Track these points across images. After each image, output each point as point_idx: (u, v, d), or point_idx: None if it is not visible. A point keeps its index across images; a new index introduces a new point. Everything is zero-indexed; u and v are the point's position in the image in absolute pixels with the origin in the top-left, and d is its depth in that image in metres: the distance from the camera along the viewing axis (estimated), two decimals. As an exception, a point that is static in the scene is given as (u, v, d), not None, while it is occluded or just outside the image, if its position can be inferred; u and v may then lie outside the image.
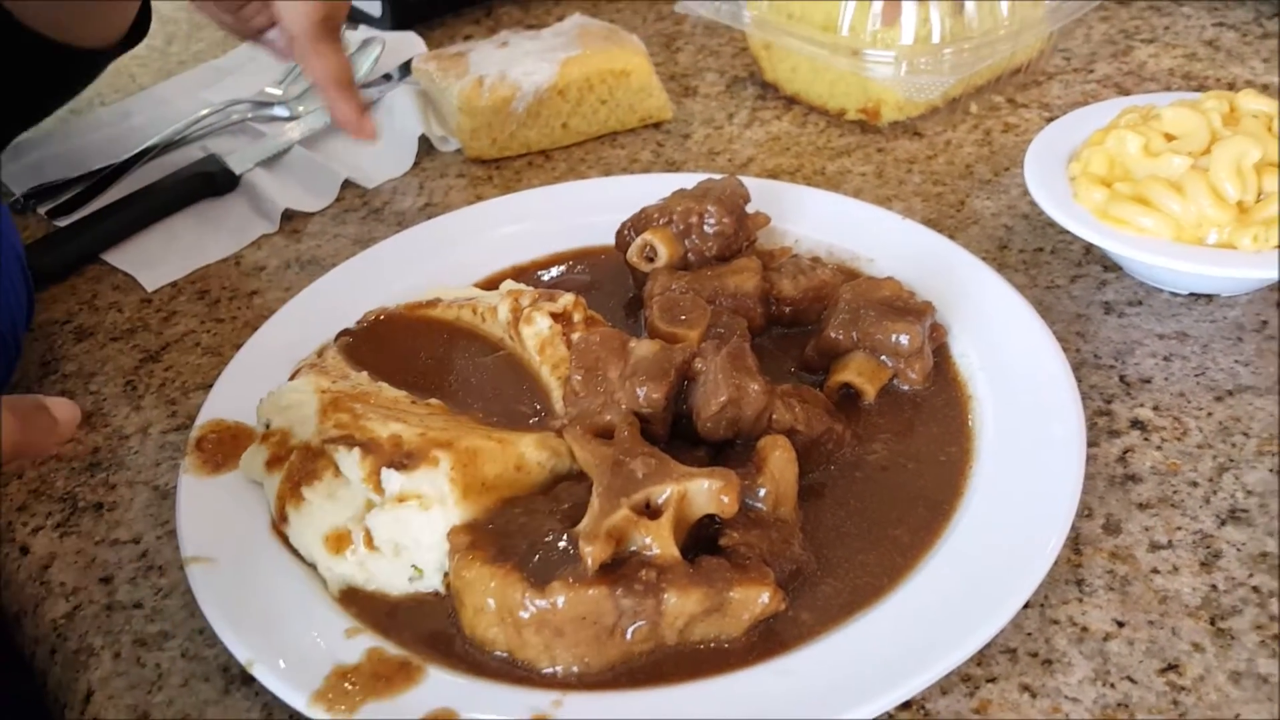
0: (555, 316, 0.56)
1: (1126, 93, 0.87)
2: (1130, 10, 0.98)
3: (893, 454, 0.55)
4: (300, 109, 0.89)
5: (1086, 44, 0.94)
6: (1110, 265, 0.69)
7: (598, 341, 0.52)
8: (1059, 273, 0.69)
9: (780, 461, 0.49)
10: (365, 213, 0.80)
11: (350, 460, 0.48)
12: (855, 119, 0.86)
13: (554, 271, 0.70)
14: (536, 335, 0.55)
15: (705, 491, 0.45)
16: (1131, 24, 0.96)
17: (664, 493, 0.44)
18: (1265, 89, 0.85)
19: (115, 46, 0.78)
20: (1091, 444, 0.57)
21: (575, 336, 0.55)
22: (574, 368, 0.52)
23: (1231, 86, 0.86)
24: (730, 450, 0.52)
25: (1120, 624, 0.49)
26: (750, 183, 0.72)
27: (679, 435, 0.53)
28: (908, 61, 0.78)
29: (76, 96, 0.86)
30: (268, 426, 0.52)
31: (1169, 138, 0.65)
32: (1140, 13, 0.97)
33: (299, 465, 0.48)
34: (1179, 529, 0.52)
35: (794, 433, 0.52)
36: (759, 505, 0.48)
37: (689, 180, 0.69)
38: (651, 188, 0.70)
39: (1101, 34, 0.95)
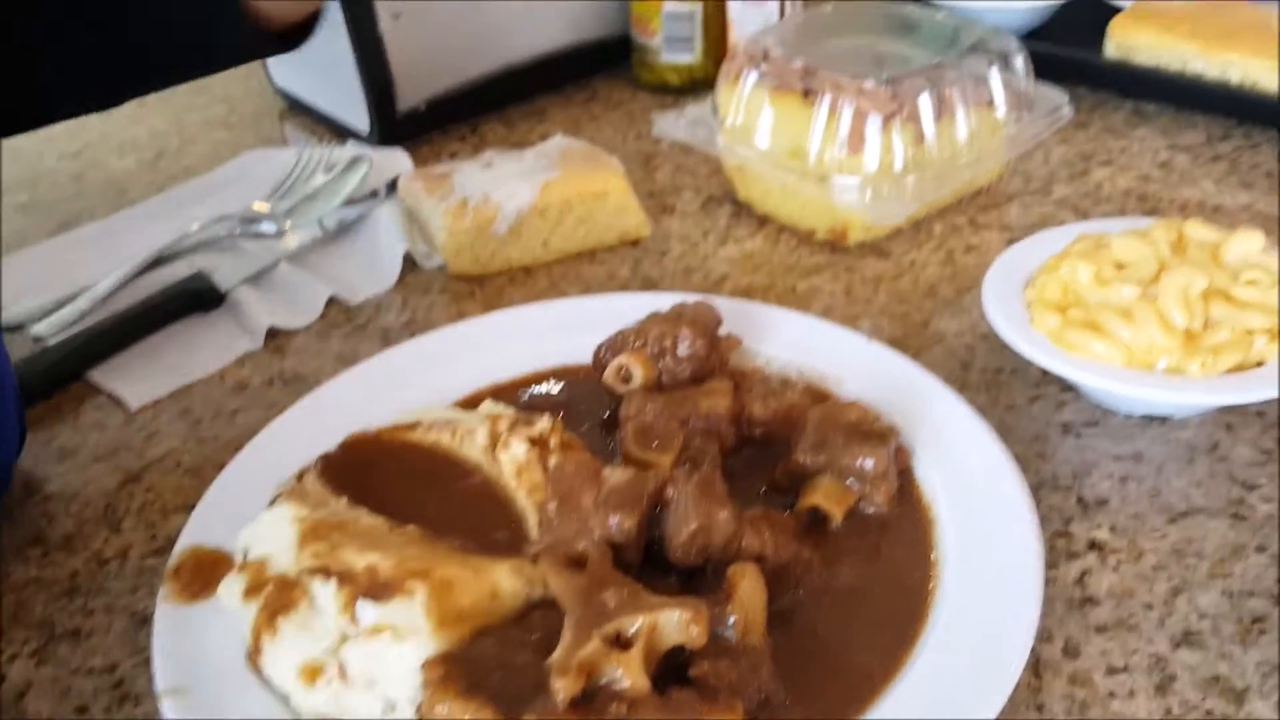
0: (532, 441, 0.57)
1: (1084, 214, 0.91)
2: (1087, 134, 1.02)
3: (859, 578, 0.57)
4: (288, 224, 0.91)
5: (1045, 166, 0.98)
6: (1067, 386, 0.71)
7: (572, 470, 0.54)
8: (1019, 393, 0.72)
9: (749, 590, 0.50)
10: (349, 329, 0.83)
11: (326, 591, 0.49)
12: (825, 239, 0.89)
13: (533, 390, 0.71)
14: (514, 460, 0.57)
15: (675, 622, 0.46)
16: (1088, 147, 1.00)
17: (635, 624, 0.46)
18: (1216, 210, 0.89)
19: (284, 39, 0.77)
20: (1051, 566, 0.59)
21: (552, 462, 0.57)
22: (549, 495, 0.53)
23: (1184, 207, 0.90)
24: (701, 576, 0.53)
25: (1080, 749, 0.50)
26: (722, 303, 0.75)
27: (651, 561, 0.54)
28: (872, 187, 0.81)
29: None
30: (245, 555, 0.54)
31: (1119, 266, 0.68)
32: (1097, 136, 1.02)
33: (275, 596, 0.49)
34: (1135, 652, 0.54)
35: (763, 558, 0.54)
36: (728, 633, 0.49)
37: (666, 300, 0.71)
38: (627, 306, 0.72)
39: (1060, 157, 0.99)
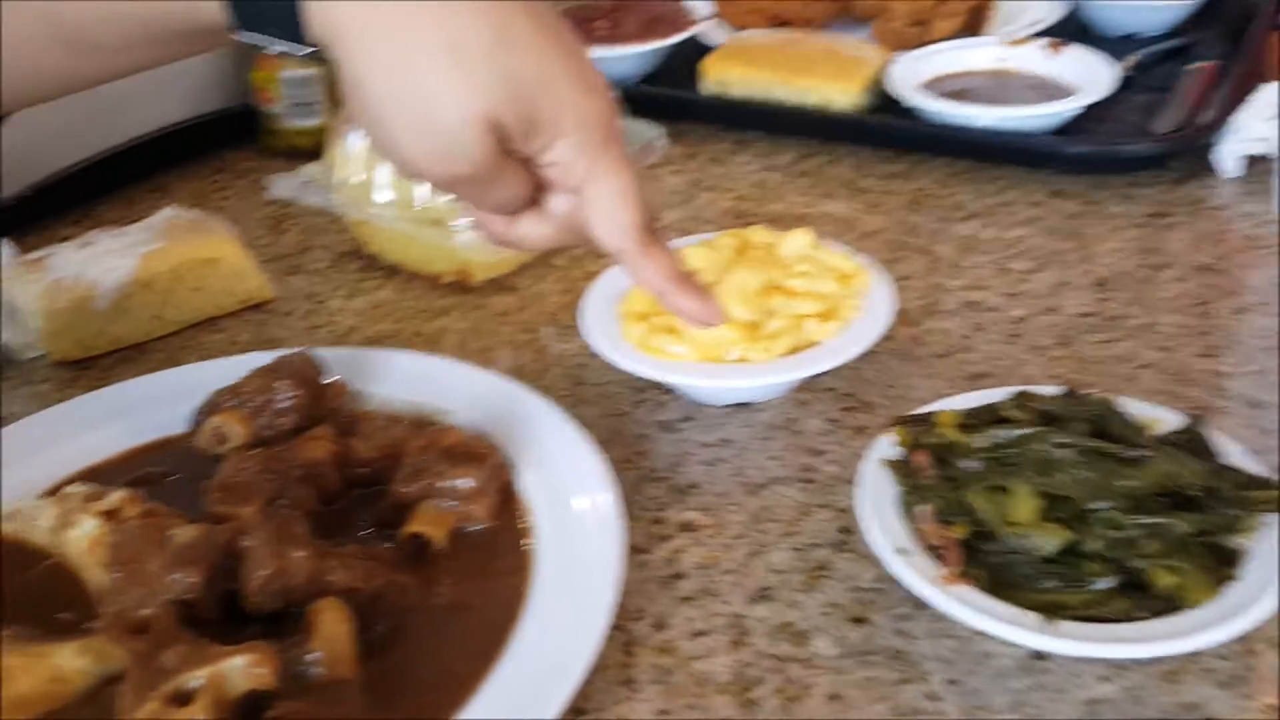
0: (107, 515, 0.56)
1: (690, 233, 0.98)
2: (695, 163, 1.11)
3: (460, 593, 0.59)
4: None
5: (658, 195, 1.05)
6: (667, 390, 0.77)
7: (136, 535, 0.53)
8: (625, 400, 0.77)
9: (331, 623, 0.51)
10: (-57, 430, 0.78)
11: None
12: (451, 281, 0.92)
13: (135, 468, 0.70)
14: (85, 537, 0.56)
15: (240, 669, 0.47)
16: (696, 175, 1.08)
17: (197, 679, 0.46)
18: (801, 218, 0.98)
19: None
20: (644, 550, 0.63)
21: (123, 531, 0.56)
22: (113, 565, 0.53)
23: (773, 219, 0.99)
24: (286, 620, 0.54)
25: (664, 712, 0.54)
26: (331, 352, 0.76)
27: (238, 615, 0.54)
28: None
29: None
30: None
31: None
32: (703, 165, 1.10)
33: None
34: (716, 615, 0.59)
35: (354, 591, 0.55)
36: (315, 670, 0.50)
37: (267, 357, 0.71)
38: (233, 369, 0.72)
39: (671, 185, 1.07)
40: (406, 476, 0.63)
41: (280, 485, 0.62)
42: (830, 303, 0.72)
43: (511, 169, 0.52)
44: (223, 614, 0.55)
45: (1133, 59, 1.14)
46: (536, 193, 0.54)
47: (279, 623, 0.55)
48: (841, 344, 0.70)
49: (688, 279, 0.58)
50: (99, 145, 1.09)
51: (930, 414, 0.60)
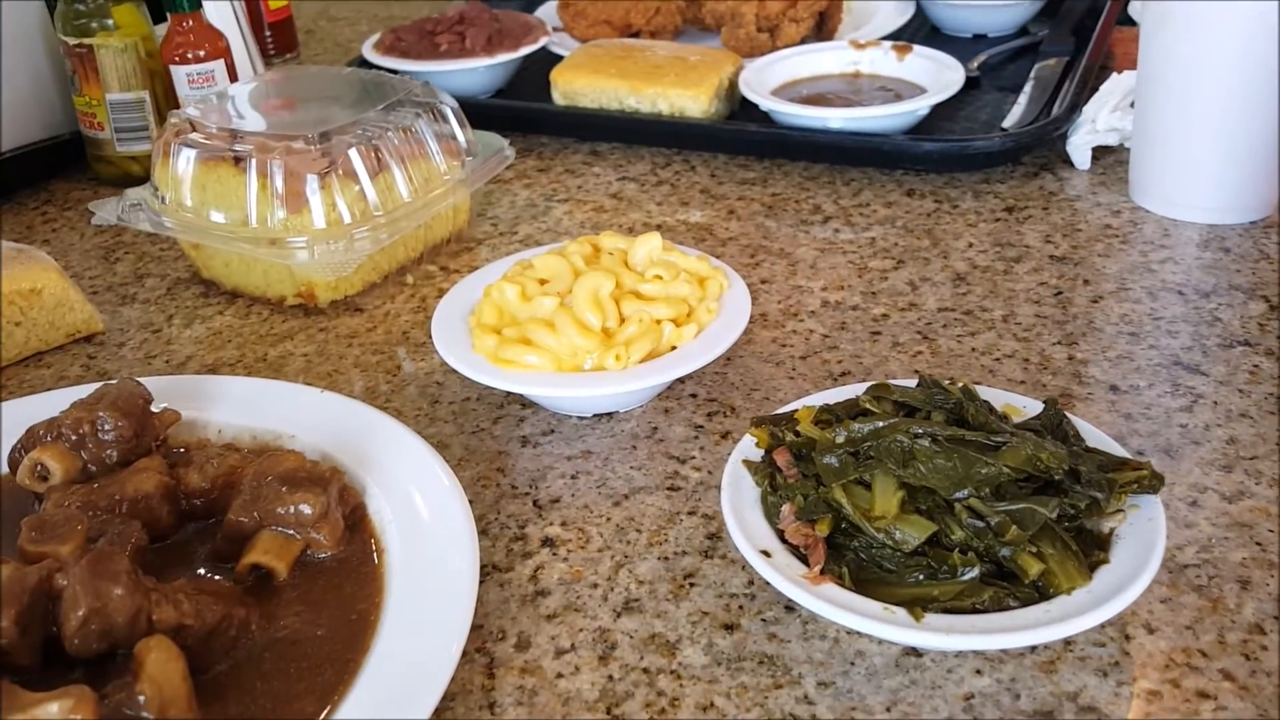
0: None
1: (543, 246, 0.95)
2: (549, 176, 1.08)
3: (304, 624, 0.55)
4: None
5: (511, 210, 1.02)
6: (528, 403, 0.74)
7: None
8: (483, 416, 0.73)
9: (158, 663, 0.47)
10: None
11: None
12: (296, 303, 0.88)
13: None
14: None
15: (56, 715, 0.42)
16: (550, 188, 1.06)
17: (3, 727, 0.41)
18: (659, 226, 0.97)
19: None
20: (507, 569, 0.60)
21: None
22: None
23: (631, 230, 0.97)
24: (112, 663, 0.49)
25: (528, 736, 0.51)
26: (162, 380, 0.71)
27: (60, 660, 0.50)
28: (320, 245, 0.81)
29: None
30: None
31: (543, 282, 0.72)
32: (558, 177, 1.08)
33: None
34: (581, 630, 0.56)
35: (184, 628, 0.50)
36: (142, 714, 0.46)
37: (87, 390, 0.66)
38: (57, 402, 0.66)
39: (525, 200, 1.04)
40: (243, 504, 0.58)
41: (103, 521, 0.57)
42: (686, 306, 0.70)
43: None
44: (45, 659, 0.50)
45: (981, 57, 1.16)
46: None
47: (106, 666, 0.50)
48: (699, 347, 0.68)
49: None
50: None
51: (789, 413, 0.59)
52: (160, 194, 0.86)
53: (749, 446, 0.58)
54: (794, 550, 0.52)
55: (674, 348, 0.69)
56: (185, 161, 0.84)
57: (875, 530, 0.50)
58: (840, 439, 0.53)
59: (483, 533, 0.63)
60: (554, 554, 0.61)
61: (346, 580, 0.57)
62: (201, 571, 0.59)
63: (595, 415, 0.72)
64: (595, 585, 0.59)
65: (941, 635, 0.46)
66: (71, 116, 1.11)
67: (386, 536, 0.60)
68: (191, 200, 0.85)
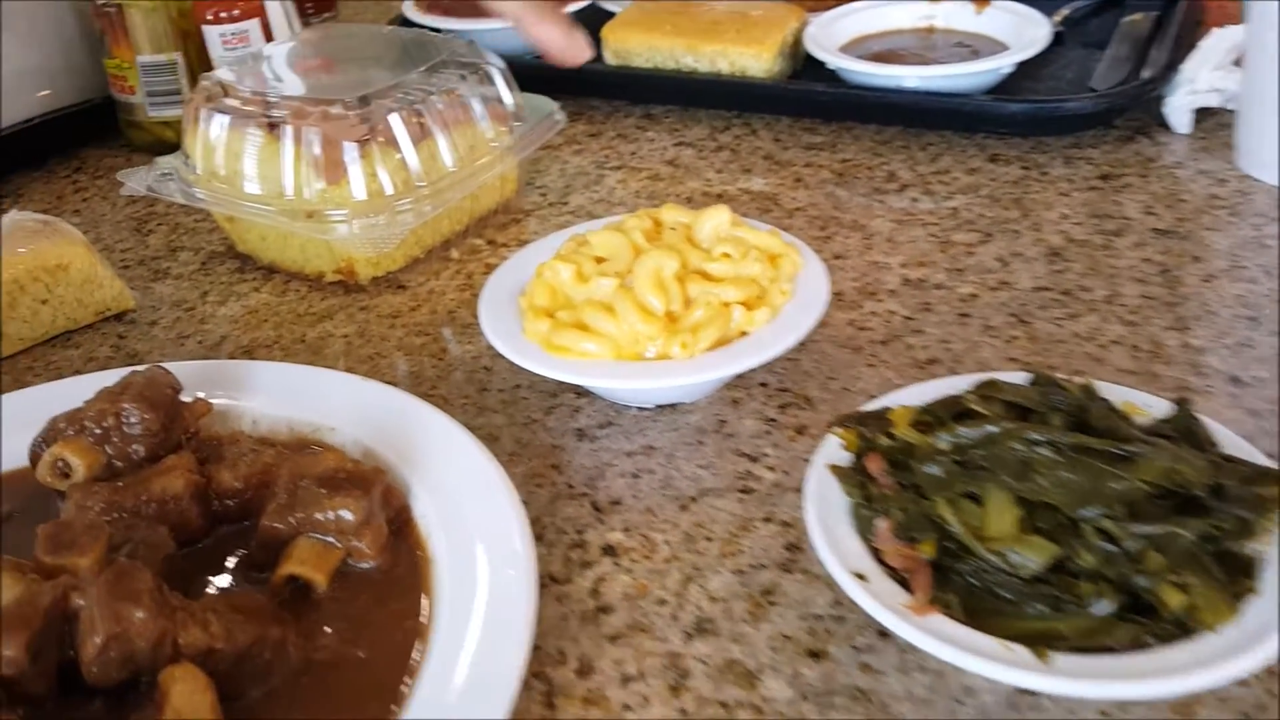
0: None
1: (598, 218, 0.89)
2: (600, 142, 1.02)
3: (345, 645, 0.50)
4: None
5: (561, 178, 0.96)
6: (583, 391, 0.68)
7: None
8: (535, 406, 0.68)
9: (184, 694, 0.42)
10: None
11: None
12: (335, 280, 0.83)
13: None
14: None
15: (65, 757, 0.37)
16: (602, 154, 1.00)
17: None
18: (720, 196, 0.90)
19: None
20: (566, 581, 0.55)
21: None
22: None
23: (689, 199, 0.91)
24: (134, 693, 0.44)
25: (592, 778, 0.45)
26: (192, 366, 0.67)
27: (76, 686, 0.45)
28: (362, 218, 0.75)
29: None
30: None
31: (599, 261, 0.65)
32: (610, 143, 1.02)
33: None
34: (649, 655, 0.50)
35: (213, 652, 0.45)
36: (166, 751, 0.41)
37: (114, 376, 0.61)
38: (83, 388, 0.61)
39: (575, 167, 0.98)
40: (279, 509, 0.53)
41: (127, 526, 0.52)
42: (756, 288, 0.64)
43: None
44: (61, 687, 0.45)
45: (1064, 11, 1.08)
46: None
47: (127, 695, 0.45)
48: (774, 334, 0.62)
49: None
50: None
51: (880, 411, 0.52)
52: (191, 162, 0.81)
53: (834, 449, 0.52)
54: (891, 571, 0.46)
55: (744, 333, 0.63)
56: (218, 128, 0.78)
57: (988, 553, 0.44)
58: (944, 445, 0.47)
59: (538, 538, 0.57)
60: (616, 564, 0.56)
61: (390, 594, 0.52)
62: (231, 580, 0.54)
63: (657, 406, 0.66)
64: (663, 601, 0.53)
65: (1077, 682, 0.40)
66: (102, 80, 1.06)
67: (433, 544, 0.54)
68: (224, 169, 0.79)
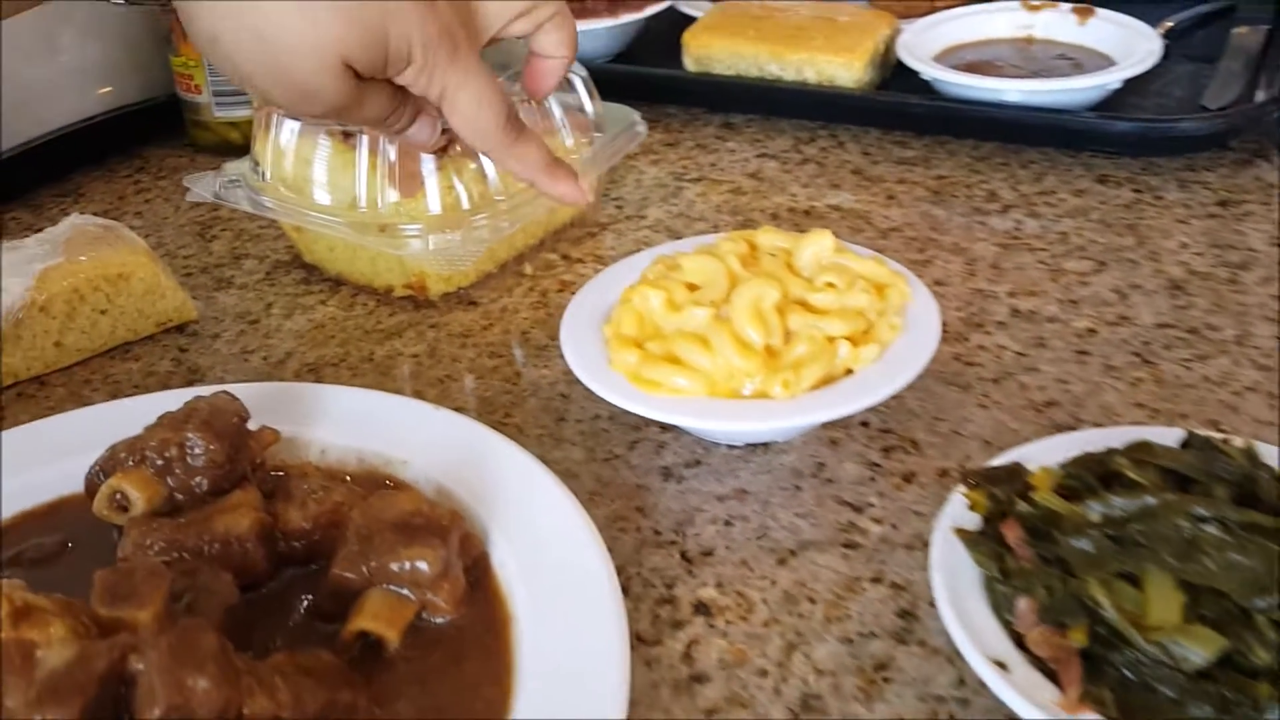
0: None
1: (678, 235, 0.85)
2: (678, 152, 0.97)
3: (420, 711, 0.46)
4: None
5: (638, 190, 0.92)
6: (668, 425, 0.64)
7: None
8: (617, 440, 0.64)
9: (250, 773, 0.38)
10: None
11: None
12: (404, 294, 0.79)
13: (21, 538, 0.56)
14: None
15: None
16: (680, 165, 0.95)
17: None
18: (807, 213, 0.86)
19: None
20: (655, 642, 0.51)
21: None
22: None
23: (775, 216, 0.86)
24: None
25: None
26: (258, 388, 0.63)
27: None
28: (437, 232, 0.72)
29: None
30: None
31: (692, 288, 0.61)
32: (688, 153, 0.97)
33: None
34: (750, 733, 0.46)
35: (280, 720, 0.42)
36: (229, 836, 0.37)
37: (182, 396, 0.58)
38: (144, 410, 0.58)
39: (652, 178, 0.93)
40: (350, 557, 0.49)
41: (189, 570, 0.49)
42: (864, 321, 0.59)
43: (373, 92, 0.54)
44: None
45: (1168, 23, 1.02)
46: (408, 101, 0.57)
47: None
48: (882, 373, 0.57)
49: (558, 165, 0.61)
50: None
51: (1011, 467, 0.47)
52: (260, 169, 0.78)
53: (960, 509, 0.47)
54: (1032, 656, 0.41)
55: (849, 371, 0.58)
56: (288, 134, 0.75)
57: (1147, 643, 0.39)
58: (1095, 516, 0.42)
59: (624, 590, 0.53)
60: (710, 625, 0.51)
61: (468, 654, 0.48)
62: (297, 631, 0.50)
63: (748, 445, 0.62)
64: (764, 672, 0.49)
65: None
66: (168, 78, 1.03)
67: (514, 599, 0.50)
68: (294, 177, 0.76)
